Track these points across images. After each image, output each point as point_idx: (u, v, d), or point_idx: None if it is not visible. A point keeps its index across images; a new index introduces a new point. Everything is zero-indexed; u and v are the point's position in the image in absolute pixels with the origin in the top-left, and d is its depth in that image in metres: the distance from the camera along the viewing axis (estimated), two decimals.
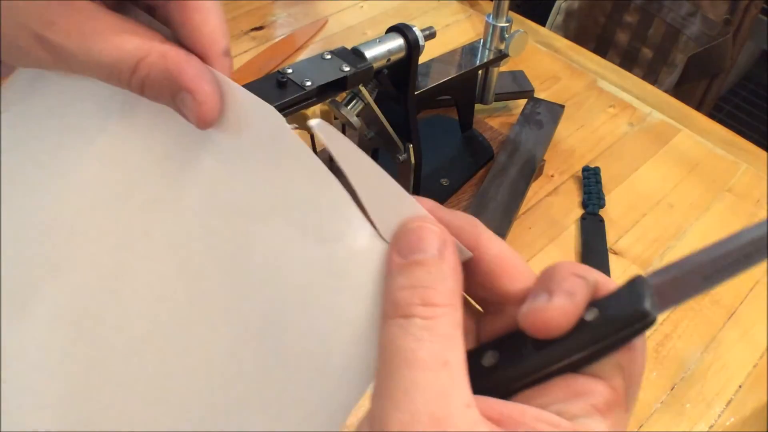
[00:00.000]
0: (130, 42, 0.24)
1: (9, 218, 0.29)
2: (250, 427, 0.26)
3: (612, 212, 0.69)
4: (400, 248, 0.23)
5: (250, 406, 0.26)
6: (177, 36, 0.26)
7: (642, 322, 0.22)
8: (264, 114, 0.25)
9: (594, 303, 0.23)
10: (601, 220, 0.68)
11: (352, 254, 0.24)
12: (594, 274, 0.24)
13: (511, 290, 0.25)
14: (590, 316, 0.23)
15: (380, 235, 0.24)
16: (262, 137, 0.25)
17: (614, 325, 0.22)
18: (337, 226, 0.25)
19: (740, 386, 0.56)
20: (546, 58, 0.89)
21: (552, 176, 0.72)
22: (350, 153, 0.24)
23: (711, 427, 0.53)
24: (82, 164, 0.28)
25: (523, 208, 0.68)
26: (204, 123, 0.25)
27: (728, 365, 0.57)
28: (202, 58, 0.25)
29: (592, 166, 0.72)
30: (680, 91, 1.24)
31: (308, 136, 0.66)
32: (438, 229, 0.24)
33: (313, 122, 0.23)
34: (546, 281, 0.24)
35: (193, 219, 0.27)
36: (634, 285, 0.23)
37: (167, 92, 0.25)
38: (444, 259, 0.23)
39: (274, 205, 0.26)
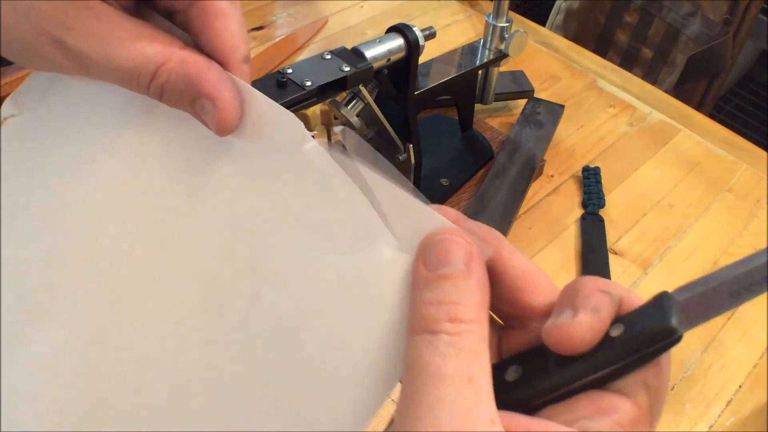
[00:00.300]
0: (150, 48, 0.24)
1: (29, 222, 0.29)
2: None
3: (612, 212, 0.69)
4: (427, 261, 0.23)
5: (266, 413, 0.26)
6: (197, 42, 0.26)
7: (668, 339, 0.22)
8: (284, 122, 0.25)
9: (619, 319, 0.23)
10: (601, 220, 0.68)
11: (375, 265, 0.24)
12: (619, 290, 0.24)
13: (535, 305, 0.25)
14: (615, 332, 0.23)
15: (401, 248, 0.24)
16: (282, 145, 0.25)
17: (640, 341, 0.22)
18: (359, 237, 0.24)
19: (740, 386, 0.56)
20: (546, 58, 0.89)
21: (552, 176, 0.72)
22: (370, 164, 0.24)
23: (711, 427, 0.53)
24: (100, 171, 0.28)
25: (523, 208, 0.68)
26: (224, 130, 0.25)
27: (728, 365, 0.57)
28: (222, 64, 0.25)
29: (592, 166, 0.72)
30: (680, 91, 1.24)
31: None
32: (464, 241, 0.23)
33: (338, 129, 0.24)
34: (570, 297, 0.24)
35: (211, 226, 0.27)
36: (661, 301, 0.23)
37: (187, 98, 0.25)
38: (471, 273, 0.23)
39: (295, 213, 0.26)
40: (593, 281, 0.24)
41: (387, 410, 0.53)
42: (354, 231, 0.25)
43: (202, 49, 0.25)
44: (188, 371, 0.27)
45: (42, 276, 0.28)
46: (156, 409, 0.28)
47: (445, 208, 0.25)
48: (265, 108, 0.25)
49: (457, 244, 0.23)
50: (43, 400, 0.28)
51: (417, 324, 0.22)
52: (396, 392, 0.23)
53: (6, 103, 0.30)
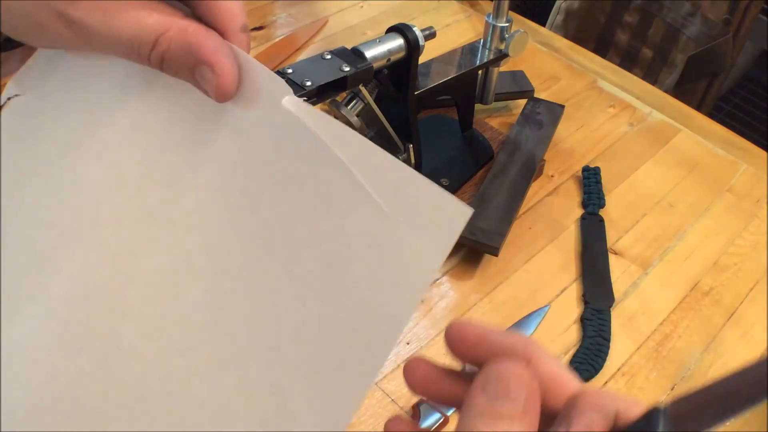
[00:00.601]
0: (150, 17, 0.25)
1: (34, 194, 0.30)
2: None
3: (612, 212, 0.69)
4: (488, 388, 0.23)
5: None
6: (195, 13, 0.26)
7: None
8: (278, 87, 0.26)
9: None
10: (601, 220, 0.68)
11: (358, 229, 0.25)
12: (616, 403, 0.24)
13: (559, 408, 0.25)
14: None
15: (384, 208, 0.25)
16: (277, 110, 0.26)
17: None
18: (345, 198, 0.25)
19: None
20: (546, 58, 0.89)
21: (552, 176, 0.72)
22: (338, 131, 0.26)
23: None
24: (101, 143, 0.28)
25: (523, 208, 0.68)
26: (223, 96, 0.25)
27: (728, 365, 0.57)
28: (221, 33, 0.26)
29: (592, 166, 0.72)
30: (680, 91, 1.23)
31: None
32: (527, 376, 0.23)
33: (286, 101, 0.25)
34: (570, 409, 0.24)
35: (212, 192, 0.28)
36: (651, 418, 0.23)
37: (186, 66, 0.25)
38: (527, 415, 0.22)
39: (288, 177, 0.27)
40: (592, 395, 0.24)
41: (388, 410, 0.53)
42: (337, 193, 0.26)
43: (200, 20, 0.26)
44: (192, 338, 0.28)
45: (48, 238, 0.29)
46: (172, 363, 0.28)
47: (507, 334, 0.25)
48: (262, 75, 0.26)
49: (519, 379, 0.23)
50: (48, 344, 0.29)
51: None
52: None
53: (9, 84, 0.30)
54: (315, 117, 0.26)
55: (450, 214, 0.26)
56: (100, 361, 0.29)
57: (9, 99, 0.30)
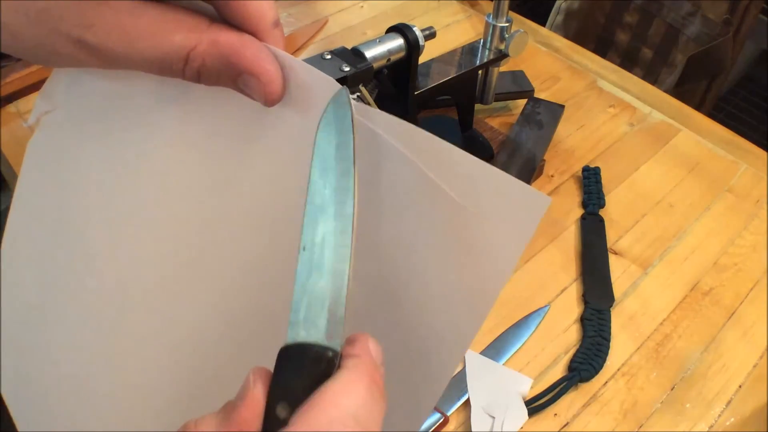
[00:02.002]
0: (177, 34, 0.23)
1: (81, 213, 0.30)
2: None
3: (612, 212, 0.69)
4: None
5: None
6: (222, 14, 0.24)
7: None
8: (323, 85, 0.25)
9: None
10: (601, 220, 0.68)
11: (439, 228, 0.27)
12: None
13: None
14: None
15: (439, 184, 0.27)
16: (322, 107, 0.25)
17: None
18: (421, 198, 0.26)
19: (740, 386, 0.56)
20: (546, 58, 0.89)
21: (552, 176, 0.72)
22: (401, 128, 0.27)
23: (711, 427, 0.53)
24: (151, 156, 0.28)
25: None
26: (272, 102, 0.25)
27: (728, 365, 0.57)
28: (253, 33, 0.24)
29: (592, 166, 0.72)
30: (680, 91, 1.24)
31: None
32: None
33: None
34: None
35: (266, 197, 0.28)
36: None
37: (228, 77, 0.24)
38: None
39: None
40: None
41: None
42: (397, 190, 0.27)
43: (228, 22, 0.24)
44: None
45: (102, 234, 0.30)
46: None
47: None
48: (305, 74, 0.25)
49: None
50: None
51: None
52: None
53: (37, 100, 0.30)
54: (373, 114, 0.26)
55: (530, 203, 0.26)
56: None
57: (40, 116, 0.29)
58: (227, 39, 0.24)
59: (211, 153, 0.28)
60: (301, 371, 0.23)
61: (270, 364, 0.24)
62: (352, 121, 0.24)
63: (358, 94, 0.56)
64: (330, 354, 0.23)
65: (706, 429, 0.53)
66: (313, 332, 0.24)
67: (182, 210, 0.29)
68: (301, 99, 0.26)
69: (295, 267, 0.24)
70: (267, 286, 0.29)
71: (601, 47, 1.34)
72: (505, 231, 0.26)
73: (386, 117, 0.26)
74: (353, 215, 0.24)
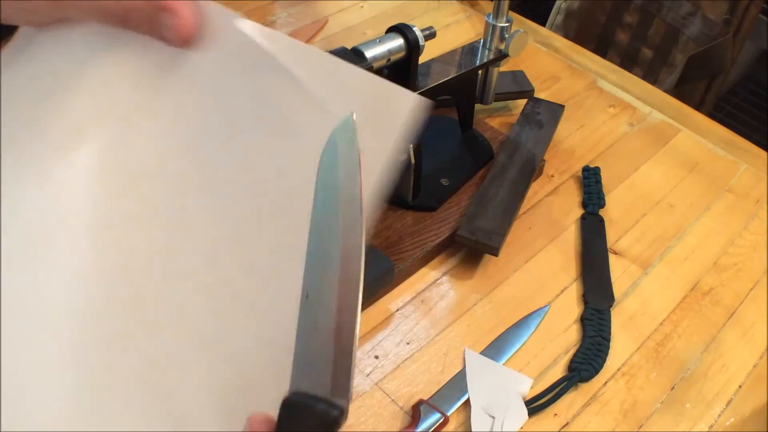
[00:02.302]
0: None
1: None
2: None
3: (612, 212, 0.69)
4: None
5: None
6: None
7: None
8: (231, 16, 0.28)
9: None
10: (601, 220, 0.68)
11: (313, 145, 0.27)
12: None
13: None
14: None
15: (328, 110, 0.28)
16: (233, 35, 0.28)
17: None
18: (297, 120, 0.28)
19: (740, 386, 0.56)
20: (546, 58, 0.89)
21: (552, 176, 0.72)
22: (284, 43, 0.28)
23: (711, 427, 0.53)
24: (79, 97, 0.30)
25: (523, 208, 0.68)
26: (184, 38, 0.28)
27: (728, 365, 0.57)
28: None
29: (592, 166, 0.72)
30: (680, 91, 1.23)
31: None
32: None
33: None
34: None
35: (178, 138, 0.29)
36: None
37: (148, 17, 0.27)
38: None
39: (249, 110, 0.28)
40: None
41: (388, 410, 0.54)
42: (292, 115, 0.28)
43: None
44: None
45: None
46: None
47: None
48: (216, 13, 0.28)
49: None
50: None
51: None
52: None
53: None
54: (265, 33, 0.28)
55: (399, 102, 0.27)
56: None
57: None
58: None
59: (132, 100, 0.30)
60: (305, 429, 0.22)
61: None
62: (359, 158, 0.24)
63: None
64: (335, 413, 0.22)
65: (706, 429, 0.53)
66: (317, 386, 0.22)
67: (102, 145, 0.30)
68: (212, 38, 0.29)
69: (296, 313, 0.24)
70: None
71: (601, 47, 1.34)
72: (377, 130, 0.27)
73: (279, 38, 0.28)
74: (361, 264, 0.23)
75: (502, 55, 0.67)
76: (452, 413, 0.52)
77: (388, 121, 0.27)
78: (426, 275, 0.62)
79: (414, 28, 0.56)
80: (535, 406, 0.53)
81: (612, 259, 0.64)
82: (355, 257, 0.23)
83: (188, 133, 0.29)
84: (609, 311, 0.59)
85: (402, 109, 0.27)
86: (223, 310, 0.29)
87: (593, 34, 1.34)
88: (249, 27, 0.28)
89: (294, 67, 0.28)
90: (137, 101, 0.29)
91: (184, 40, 0.28)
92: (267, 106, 0.28)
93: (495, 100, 0.74)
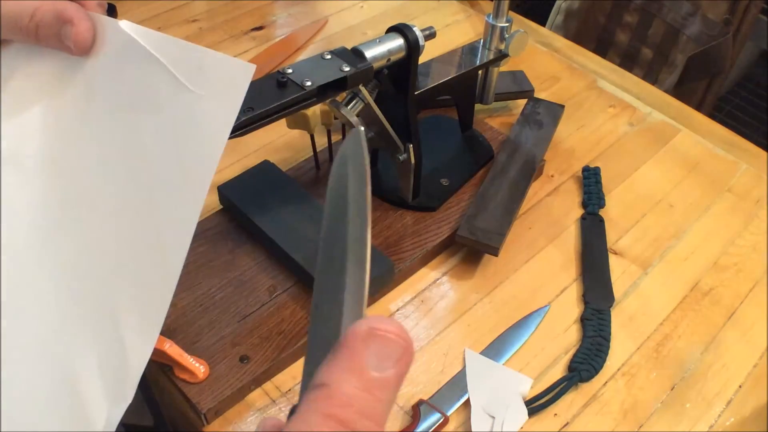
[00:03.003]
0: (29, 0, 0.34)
1: None
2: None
3: (612, 212, 0.69)
4: (378, 352, 0.22)
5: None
6: None
7: None
8: (115, 23, 0.34)
9: None
10: (601, 220, 0.68)
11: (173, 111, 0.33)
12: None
13: None
14: None
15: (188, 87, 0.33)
16: (118, 36, 0.34)
17: None
18: (163, 98, 0.33)
19: (740, 386, 0.56)
20: (546, 58, 0.89)
21: (552, 176, 0.72)
22: (155, 38, 0.33)
23: (711, 427, 0.53)
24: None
25: (523, 208, 0.68)
26: (81, 45, 0.33)
27: (728, 365, 0.57)
28: (82, 5, 0.34)
29: (592, 166, 0.72)
30: (680, 91, 1.24)
31: (309, 137, 0.66)
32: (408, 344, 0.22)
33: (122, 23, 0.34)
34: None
35: (74, 127, 0.35)
36: None
37: (54, 30, 0.33)
38: (399, 378, 0.22)
39: (128, 95, 0.34)
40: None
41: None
42: (157, 93, 0.33)
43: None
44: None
45: None
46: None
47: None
48: (107, 24, 0.34)
49: (407, 350, 0.22)
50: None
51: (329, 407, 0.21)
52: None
53: None
54: (140, 31, 0.34)
55: (235, 73, 0.33)
56: None
57: None
58: (62, 2, 0.34)
59: (36, 99, 0.36)
60: None
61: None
62: (367, 171, 0.25)
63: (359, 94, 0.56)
64: None
65: (706, 429, 0.53)
66: None
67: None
68: (102, 43, 0.34)
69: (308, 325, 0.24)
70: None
71: (601, 47, 1.34)
72: (216, 101, 0.33)
73: (150, 33, 0.33)
74: (366, 276, 0.23)
75: (502, 55, 0.67)
76: (452, 413, 0.52)
77: (229, 89, 0.33)
78: (426, 275, 0.62)
79: (414, 28, 0.56)
80: (535, 406, 0.53)
81: (612, 259, 0.64)
82: (361, 269, 0.23)
83: (81, 122, 0.35)
84: (609, 311, 0.59)
85: (240, 76, 0.33)
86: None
87: (593, 34, 1.34)
88: (129, 27, 0.34)
89: (161, 55, 0.33)
90: (46, 104, 0.36)
91: (84, 49, 0.34)
92: (141, 90, 0.34)
93: (495, 100, 0.74)
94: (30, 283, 0.35)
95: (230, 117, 0.33)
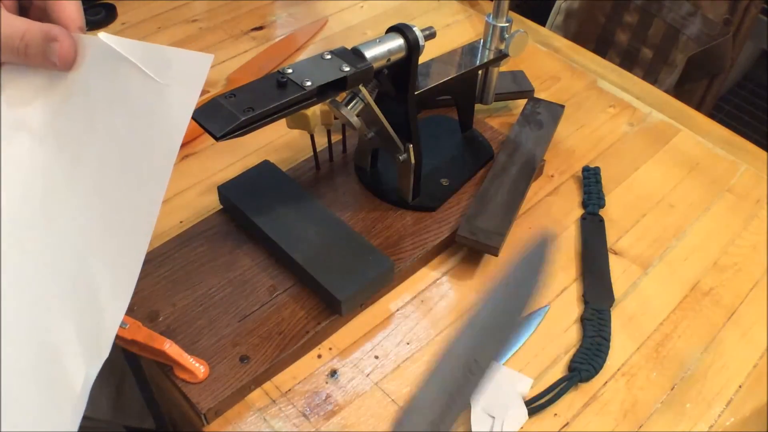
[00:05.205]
0: (20, 22, 0.37)
1: None
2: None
3: (612, 212, 0.69)
4: None
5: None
6: (48, 17, 0.39)
7: None
8: (94, 39, 0.38)
9: None
10: (601, 220, 0.68)
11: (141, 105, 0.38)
12: None
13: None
14: None
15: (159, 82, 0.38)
16: (98, 47, 0.38)
17: None
18: (129, 90, 0.38)
19: (740, 386, 0.56)
20: (546, 58, 0.89)
21: (552, 176, 0.72)
22: (126, 43, 0.38)
23: (711, 427, 0.53)
24: None
25: (523, 208, 0.68)
26: (65, 60, 0.37)
27: (728, 365, 0.57)
28: (65, 27, 0.38)
29: (592, 166, 0.72)
30: (680, 91, 1.24)
31: (308, 136, 0.66)
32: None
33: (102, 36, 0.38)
34: None
35: (57, 132, 0.40)
36: None
37: (42, 49, 0.37)
38: None
39: (105, 96, 0.38)
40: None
41: (388, 410, 0.53)
42: (136, 96, 0.38)
43: (51, 22, 0.39)
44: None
45: None
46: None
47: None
48: (88, 41, 0.38)
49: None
50: None
51: None
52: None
53: None
54: (113, 39, 0.37)
55: (195, 63, 0.37)
56: None
57: None
58: (48, 24, 0.38)
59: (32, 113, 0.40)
60: None
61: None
62: None
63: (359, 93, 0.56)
64: None
65: (706, 429, 0.53)
66: None
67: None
68: (85, 66, 0.39)
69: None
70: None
71: (601, 47, 1.34)
72: (180, 87, 0.37)
73: (122, 41, 0.38)
74: None
75: (502, 55, 0.67)
76: None
77: (191, 77, 0.37)
78: (426, 275, 0.62)
79: (414, 28, 0.56)
80: (535, 406, 0.53)
81: (612, 259, 0.64)
82: None
83: (65, 119, 0.39)
84: (609, 311, 0.59)
85: (200, 65, 0.37)
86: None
87: (593, 34, 1.34)
88: (105, 37, 0.38)
89: (131, 56, 0.37)
90: (33, 114, 0.40)
91: (67, 64, 0.38)
92: (116, 86, 0.38)
93: (495, 100, 0.74)
94: (11, 256, 0.38)
95: (193, 99, 0.38)
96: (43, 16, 0.39)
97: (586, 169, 0.72)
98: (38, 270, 0.39)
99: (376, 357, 0.55)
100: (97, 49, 0.38)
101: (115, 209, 0.39)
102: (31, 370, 0.37)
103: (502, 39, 0.66)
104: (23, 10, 0.40)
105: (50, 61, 0.37)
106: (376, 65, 0.54)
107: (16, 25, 0.37)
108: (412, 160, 0.62)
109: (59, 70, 0.38)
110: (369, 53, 0.54)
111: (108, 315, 0.38)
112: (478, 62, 0.67)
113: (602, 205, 0.69)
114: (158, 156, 0.38)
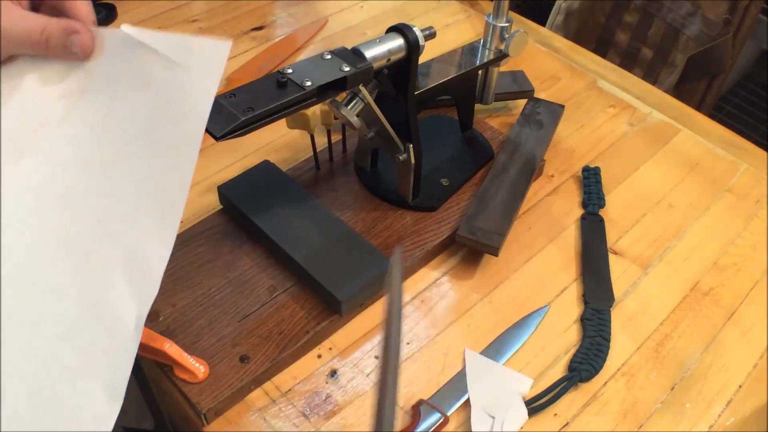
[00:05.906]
0: (39, 18, 0.39)
1: None
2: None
3: (612, 212, 0.69)
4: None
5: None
6: (64, 14, 0.41)
7: None
8: (115, 32, 0.39)
9: None
10: (601, 220, 0.68)
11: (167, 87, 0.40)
12: None
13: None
14: None
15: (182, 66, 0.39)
16: (118, 38, 0.39)
17: None
18: (153, 75, 0.40)
19: (740, 386, 0.56)
20: (546, 58, 0.89)
21: (552, 176, 0.72)
22: (148, 33, 0.39)
23: (711, 427, 0.53)
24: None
25: (523, 208, 0.68)
26: (85, 49, 0.39)
27: (728, 365, 0.57)
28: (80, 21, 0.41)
29: (592, 166, 0.72)
30: (680, 91, 1.23)
31: (308, 136, 0.66)
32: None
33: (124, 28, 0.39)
34: None
35: (81, 116, 0.41)
36: None
37: (62, 42, 0.39)
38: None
39: (126, 80, 0.40)
40: None
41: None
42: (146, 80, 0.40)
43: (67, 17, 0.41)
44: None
45: None
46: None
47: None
48: (107, 34, 0.40)
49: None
50: None
51: None
52: None
53: None
54: (137, 31, 0.39)
55: (215, 48, 0.39)
56: None
57: None
58: (67, 20, 0.40)
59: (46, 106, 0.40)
60: None
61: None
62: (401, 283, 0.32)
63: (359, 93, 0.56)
64: None
65: (706, 429, 0.53)
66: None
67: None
68: (104, 58, 0.40)
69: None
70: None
71: (601, 47, 1.34)
72: (202, 71, 0.39)
73: (141, 31, 0.39)
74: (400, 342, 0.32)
75: (502, 55, 0.67)
76: (452, 413, 0.52)
77: (212, 61, 0.39)
78: (426, 275, 0.62)
79: (414, 28, 0.56)
80: (535, 406, 0.53)
81: (612, 259, 0.64)
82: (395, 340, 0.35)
83: (89, 111, 0.40)
84: (609, 311, 0.59)
85: (220, 51, 0.39)
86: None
87: (593, 34, 1.34)
88: (127, 28, 0.39)
89: (154, 44, 0.39)
90: (54, 104, 0.41)
91: (87, 54, 0.39)
92: (139, 73, 0.40)
93: (495, 100, 0.74)
94: (64, 220, 0.40)
95: (214, 84, 0.40)
96: (55, 14, 0.41)
97: (586, 169, 0.72)
98: (89, 230, 0.41)
99: (376, 357, 0.55)
100: (117, 40, 0.40)
101: (152, 172, 0.42)
102: (86, 314, 0.40)
103: (502, 39, 0.66)
104: (34, 9, 0.42)
105: (71, 52, 0.39)
106: (376, 65, 0.54)
107: (35, 20, 0.39)
108: (412, 160, 0.62)
109: (78, 59, 0.40)
110: (369, 53, 0.54)
111: (155, 256, 0.41)
112: (478, 62, 0.67)
113: (602, 205, 0.69)
114: (184, 136, 0.40)
